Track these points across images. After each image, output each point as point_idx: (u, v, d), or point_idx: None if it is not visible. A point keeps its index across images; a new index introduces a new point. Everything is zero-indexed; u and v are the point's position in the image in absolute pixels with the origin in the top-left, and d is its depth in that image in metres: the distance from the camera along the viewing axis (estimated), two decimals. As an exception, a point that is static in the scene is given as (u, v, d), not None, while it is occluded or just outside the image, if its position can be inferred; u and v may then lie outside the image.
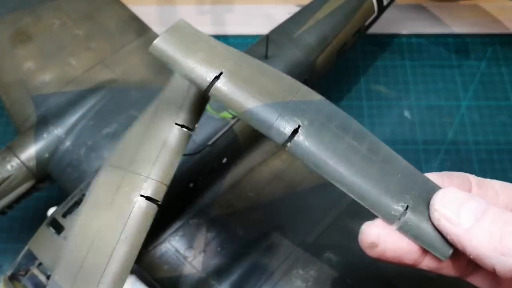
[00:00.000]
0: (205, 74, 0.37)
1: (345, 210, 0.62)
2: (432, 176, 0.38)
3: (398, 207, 0.35)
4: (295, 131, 0.36)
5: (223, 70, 0.37)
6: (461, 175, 0.38)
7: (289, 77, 0.39)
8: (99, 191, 0.42)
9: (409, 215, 0.35)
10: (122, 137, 0.44)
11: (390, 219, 0.35)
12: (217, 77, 0.37)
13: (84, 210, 0.42)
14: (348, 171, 0.35)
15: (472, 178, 0.38)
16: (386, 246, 0.35)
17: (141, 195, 0.41)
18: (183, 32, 0.39)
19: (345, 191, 0.36)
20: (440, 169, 0.70)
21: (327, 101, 0.39)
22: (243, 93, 0.37)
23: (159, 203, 0.42)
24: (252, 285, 0.58)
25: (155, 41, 0.37)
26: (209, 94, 0.37)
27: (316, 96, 0.39)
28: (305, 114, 0.37)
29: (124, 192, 0.41)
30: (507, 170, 0.85)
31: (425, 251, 0.35)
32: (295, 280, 0.57)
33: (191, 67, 0.37)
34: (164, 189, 0.42)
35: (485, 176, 0.38)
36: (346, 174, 0.35)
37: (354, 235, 0.59)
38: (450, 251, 0.35)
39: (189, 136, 0.43)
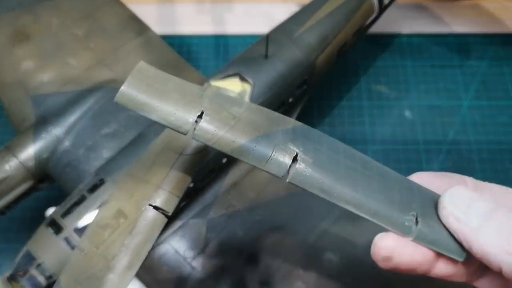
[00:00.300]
0: (187, 115, 0.34)
1: (345, 210, 0.62)
2: (425, 175, 0.38)
3: (410, 217, 0.35)
4: (294, 160, 0.35)
5: (203, 109, 0.35)
6: (457, 176, 0.38)
7: (262, 107, 0.38)
8: (113, 200, 0.42)
9: (420, 223, 0.34)
10: (146, 149, 0.43)
11: (404, 231, 0.34)
12: (199, 117, 0.35)
13: (97, 217, 0.42)
14: (355, 191, 0.35)
15: (469, 180, 0.38)
16: (401, 258, 0.35)
17: (150, 204, 0.40)
18: (147, 75, 0.36)
19: (355, 211, 0.35)
20: (441, 169, 0.70)
21: (305, 125, 0.38)
22: (230, 130, 0.35)
23: (169, 214, 0.41)
24: (252, 286, 0.57)
25: (121, 89, 0.35)
26: (193, 136, 0.35)
27: (295, 122, 0.37)
28: (296, 141, 0.35)
29: (134, 201, 0.41)
30: (508, 170, 0.84)
31: (437, 259, 0.35)
32: (296, 280, 0.57)
33: (168, 110, 0.34)
34: (175, 200, 0.41)
35: (486, 176, 0.38)
36: (354, 195, 0.35)
37: (354, 236, 0.60)
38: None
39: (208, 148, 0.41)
